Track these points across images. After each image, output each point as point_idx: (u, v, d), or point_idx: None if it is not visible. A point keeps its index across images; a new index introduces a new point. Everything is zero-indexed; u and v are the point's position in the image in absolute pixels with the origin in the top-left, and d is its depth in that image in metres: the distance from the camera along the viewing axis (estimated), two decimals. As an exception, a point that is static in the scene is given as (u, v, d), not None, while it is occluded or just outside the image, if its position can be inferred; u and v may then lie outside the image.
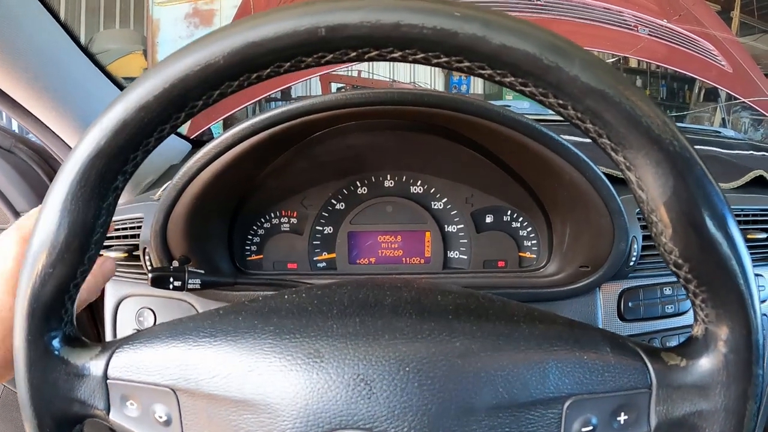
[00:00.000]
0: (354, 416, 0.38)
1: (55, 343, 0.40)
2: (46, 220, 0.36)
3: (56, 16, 0.86)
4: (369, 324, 0.42)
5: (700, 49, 1.55)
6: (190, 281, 0.69)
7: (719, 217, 0.33)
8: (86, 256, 0.38)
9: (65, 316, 0.40)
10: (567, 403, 0.40)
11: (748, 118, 2.33)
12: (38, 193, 1.07)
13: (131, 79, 2.23)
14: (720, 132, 1.50)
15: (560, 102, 0.33)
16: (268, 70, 0.33)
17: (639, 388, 0.40)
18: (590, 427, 0.40)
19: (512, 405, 0.40)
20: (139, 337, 0.43)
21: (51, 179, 1.10)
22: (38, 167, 1.10)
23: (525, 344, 0.41)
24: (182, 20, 2.18)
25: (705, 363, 0.38)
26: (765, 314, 0.95)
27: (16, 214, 1.06)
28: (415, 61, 0.33)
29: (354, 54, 0.33)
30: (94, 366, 0.41)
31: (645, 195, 0.34)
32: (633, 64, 2.49)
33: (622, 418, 0.41)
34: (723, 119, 2.06)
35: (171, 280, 0.69)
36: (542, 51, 0.31)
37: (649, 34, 1.46)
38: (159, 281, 0.68)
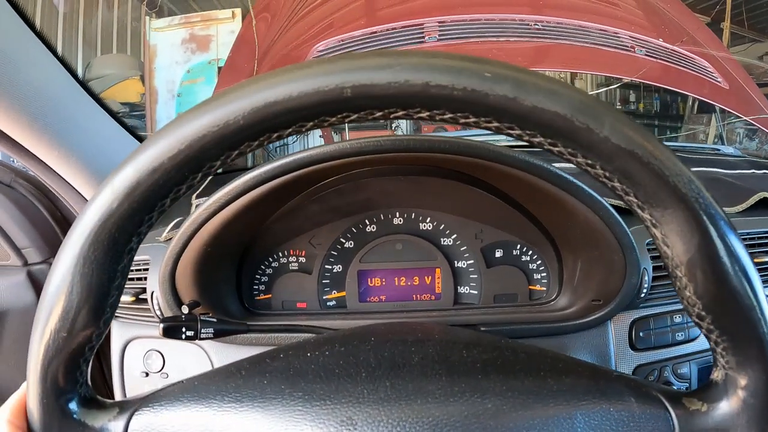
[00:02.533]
0: None
1: (72, 405, 0.39)
2: (59, 283, 0.35)
3: (56, 54, 0.85)
4: (400, 387, 0.42)
5: (695, 67, 1.56)
6: (203, 331, 0.68)
7: (742, 270, 0.34)
8: (102, 320, 0.37)
9: (80, 378, 0.39)
10: None
11: (743, 129, 2.34)
12: (39, 229, 1.07)
13: (129, 105, 2.22)
14: (719, 149, 1.51)
15: (588, 161, 0.33)
16: (290, 129, 0.32)
17: None
18: None
19: None
20: (158, 398, 0.42)
21: (51, 214, 1.10)
22: (38, 202, 1.09)
23: (554, 401, 0.41)
24: (179, 45, 2.17)
25: (725, 407, 0.39)
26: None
27: (17, 250, 1.05)
28: (442, 121, 0.33)
29: (380, 114, 0.32)
30: (113, 428, 0.40)
31: (670, 251, 0.34)
32: (626, 78, 2.49)
33: None
34: (720, 135, 2.06)
35: (183, 330, 0.68)
36: (573, 112, 0.31)
37: (645, 55, 1.47)
38: (171, 331, 0.67)
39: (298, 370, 0.44)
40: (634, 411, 0.41)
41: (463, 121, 0.32)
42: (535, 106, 0.31)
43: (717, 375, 0.39)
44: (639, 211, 0.34)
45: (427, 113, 0.32)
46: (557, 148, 0.33)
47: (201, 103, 0.32)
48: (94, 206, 0.33)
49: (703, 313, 0.35)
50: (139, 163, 0.32)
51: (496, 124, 0.32)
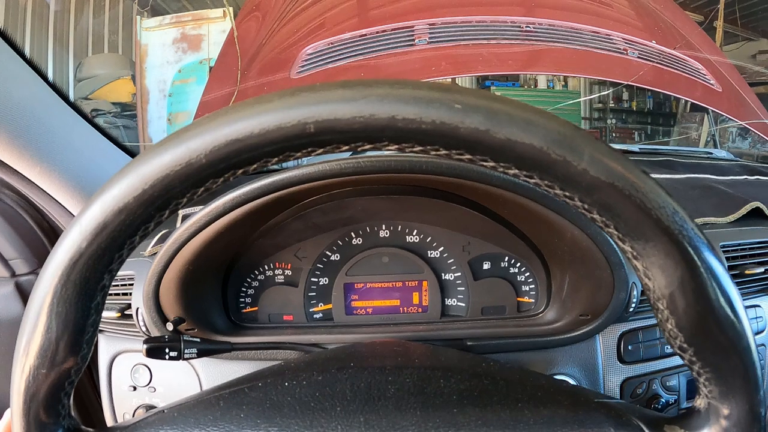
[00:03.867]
0: None
1: None
2: (35, 320, 0.35)
3: (39, 71, 0.85)
4: (374, 423, 0.41)
5: (688, 69, 1.56)
6: (186, 351, 0.67)
7: (727, 303, 0.33)
8: (79, 356, 0.37)
9: (62, 411, 0.39)
10: None
11: (736, 129, 2.34)
12: (26, 240, 1.06)
13: (120, 105, 2.20)
14: (711, 153, 1.50)
15: (567, 194, 0.32)
16: (255, 166, 0.31)
17: None
18: None
19: None
20: (138, 429, 0.42)
21: (39, 225, 1.09)
22: (25, 213, 1.08)
23: None
24: (170, 45, 2.16)
25: None
26: (763, 344, 0.95)
27: (4, 261, 1.05)
28: (413, 152, 0.32)
29: (346, 148, 0.31)
30: None
31: (652, 284, 0.33)
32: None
33: None
34: (713, 137, 2.06)
35: (167, 350, 0.67)
36: (549, 144, 0.30)
37: (638, 57, 1.46)
38: (154, 352, 0.67)
39: (275, 403, 0.44)
40: None
41: (434, 153, 0.31)
42: (509, 138, 0.29)
43: (700, 403, 0.38)
44: (620, 242, 0.33)
45: (396, 146, 0.31)
46: (533, 180, 0.32)
47: (165, 139, 0.32)
48: (64, 246, 0.33)
49: (686, 345, 0.35)
50: (105, 203, 0.32)
51: (468, 156, 0.31)
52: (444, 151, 0.31)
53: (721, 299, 0.33)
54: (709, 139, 2.16)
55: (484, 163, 0.31)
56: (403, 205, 0.79)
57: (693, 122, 2.48)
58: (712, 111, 1.90)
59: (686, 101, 2.53)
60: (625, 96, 2.67)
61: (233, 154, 0.30)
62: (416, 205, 0.79)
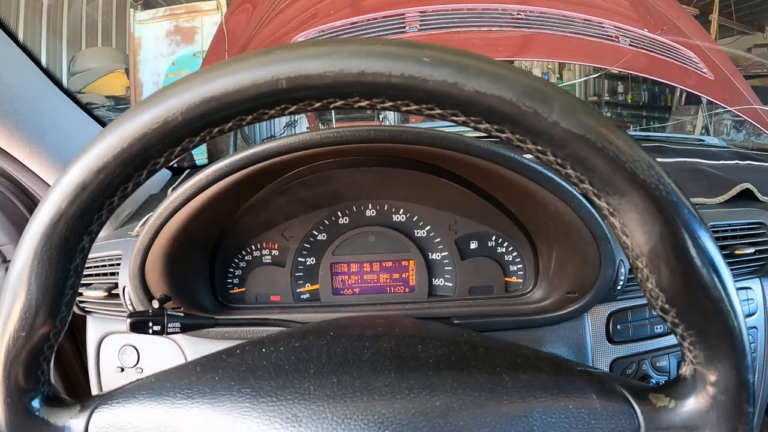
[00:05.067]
0: None
1: (35, 403, 0.39)
2: (15, 283, 0.35)
3: (26, 50, 0.84)
4: (347, 384, 0.41)
5: (680, 58, 1.55)
6: (169, 325, 0.67)
7: (709, 261, 0.32)
8: (57, 319, 0.37)
9: (42, 377, 0.39)
10: None
11: (730, 120, 2.34)
12: (17, 226, 1.05)
13: (114, 98, 2.21)
14: (703, 140, 1.50)
15: (539, 148, 0.31)
16: (230, 124, 0.32)
17: None
18: None
19: None
20: (117, 395, 0.42)
21: (30, 211, 1.09)
22: (17, 199, 1.08)
23: (507, 398, 0.40)
24: (164, 38, 2.15)
25: (693, 403, 0.37)
26: (755, 327, 0.95)
27: (-5, 248, 1.04)
28: (384, 109, 0.32)
29: (319, 104, 0.31)
30: (75, 425, 0.40)
31: (630, 241, 0.33)
32: (613, 70, 2.49)
33: None
34: (705, 125, 2.06)
35: (150, 324, 0.67)
36: (519, 96, 0.29)
37: (630, 45, 1.46)
38: (138, 326, 0.66)
39: (250, 366, 0.44)
40: (595, 407, 0.40)
41: (404, 109, 0.31)
42: (478, 90, 0.29)
43: (685, 370, 0.38)
44: (595, 199, 0.33)
45: (367, 102, 0.31)
46: (504, 135, 0.31)
47: (142, 101, 0.32)
48: (45, 207, 0.34)
49: (667, 306, 0.34)
50: (85, 164, 0.33)
51: (438, 111, 0.31)
52: (414, 106, 0.31)
53: (703, 256, 0.32)
54: (703, 131, 2.16)
55: (455, 118, 0.31)
56: (388, 179, 0.78)
57: (688, 114, 2.48)
58: (706, 101, 1.89)
59: (681, 94, 2.53)
60: (620, 89, 2.67)
61: (209, 112, 0.31)
62: (401, 180, 0.78)
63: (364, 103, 0.31)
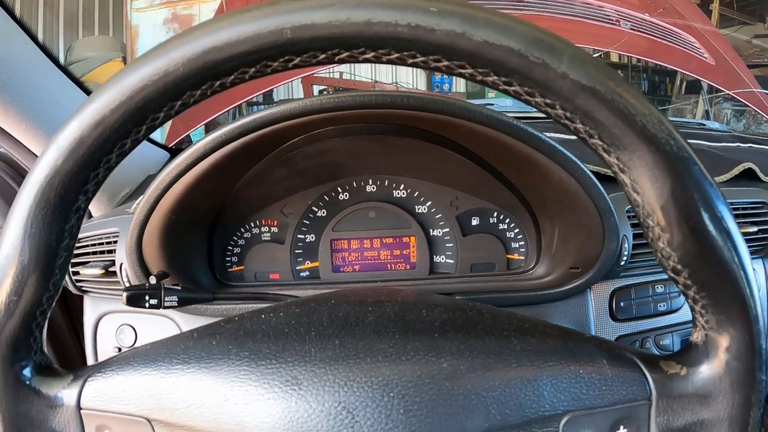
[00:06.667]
0: None
1: (26, 372, 0.38)
2: (8, 245, 0.34)
3: (22, 25, 0.83)
4: (349, 346, 0.40)
5: (681, 42, 1.55)
6: (166, 299, 0.66)
7: (720, 219, 0.31)
8: (50, 282, 0.36)
9: (34, 345, 0.38)
10: (564, 421, 0.38)
11: (730, 110, 2.33)
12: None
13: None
14: (705, 124, 1.50)
15: (547, 101, 0.31)
16: (233, 77, 0.31)
17: (638, 399, 0.38)
18: None
19: (506, 427, 0.37)
20: (111, 364, 0.41)
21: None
22: (12, 180, 1.07)
23: (516, 361, 0.39)
24: (161, 26, 2.15)
25: (706, 370, 0.36)
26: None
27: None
28: (389, 62, 0.31)
29: (323, 56, 0.31)
30: (67, 396, 0.39)
31: (640, 198, 0.32)
32: (614, 57, 2.49)
33: (622, 431, 0.39)
34: (706, 111, 2.06)
35: (147, 298, 0.66)
36: (527, 47, 0.29)
37: (631, 29, 1.45)
38: (134, 300, 0.66)
39: (248, 331, 0.43)
40: (606, 373, 0.39)
41: (411, 61, 0.31)
42: (486, 41, 0.29)
43: (697, 336, 0.37)
44: (605, 155, 0.32)
45: (372, 53, 0.30)
46: (513, 88, 0.31)
47: (143, 55, 0.31)
48: (41, 165, 0.33)
49: (679, 266, 0.33)
50: (83, 118, 0.32)
51: (445, 63, 0.30)
52: (421, 58, 0.30)
53: (714, 215, 0.31)
54: (703, 118, 2.16)
55: (462, 70, 0.30)
56: (389, 149, 0.77)
57: (688, 104, 2.48)
58: (707, 86, 1.89)
59: (681, 83, 2.53)
60: (620, 78, 2.67)
61: (211, 64, 0.30)
62: (403, 150, 0.77)
63: (369, 55, 0.31)
